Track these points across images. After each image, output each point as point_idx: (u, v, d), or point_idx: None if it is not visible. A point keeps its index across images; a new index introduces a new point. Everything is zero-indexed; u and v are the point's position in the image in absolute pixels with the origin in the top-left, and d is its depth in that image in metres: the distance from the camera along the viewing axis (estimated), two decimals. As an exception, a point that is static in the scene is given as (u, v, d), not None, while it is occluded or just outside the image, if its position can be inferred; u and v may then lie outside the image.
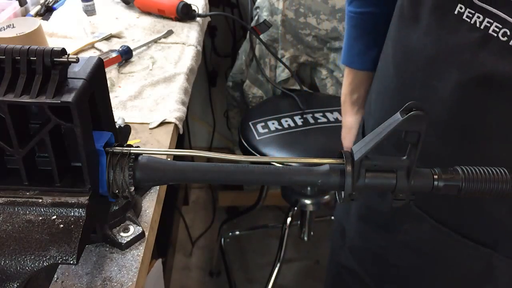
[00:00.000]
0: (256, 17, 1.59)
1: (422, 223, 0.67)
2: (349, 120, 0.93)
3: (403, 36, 0.66)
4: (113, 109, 0.51)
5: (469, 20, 0.55)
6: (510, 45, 0.52)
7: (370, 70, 0.84)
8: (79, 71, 0.43)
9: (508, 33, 0.52)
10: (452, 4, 0.56)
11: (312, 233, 1.71)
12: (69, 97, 0.40)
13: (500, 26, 0.52)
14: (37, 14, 1.28)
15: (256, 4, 1.60)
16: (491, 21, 0.53)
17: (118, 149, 0.46)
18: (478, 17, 0.54)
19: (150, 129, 0.89)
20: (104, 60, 0.71)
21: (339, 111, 1.51)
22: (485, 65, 0.54)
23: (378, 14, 0.81)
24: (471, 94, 0.57)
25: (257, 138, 1.40)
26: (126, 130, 0.69)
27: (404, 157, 0.45)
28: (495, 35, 0.53)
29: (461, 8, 0.55)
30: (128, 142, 0.53)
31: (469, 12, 0.54)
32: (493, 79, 0.55)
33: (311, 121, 1.46)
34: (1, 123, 0.42)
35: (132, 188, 0.46)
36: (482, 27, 0.54)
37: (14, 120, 0.42)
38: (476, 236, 0.64)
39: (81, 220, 0.43)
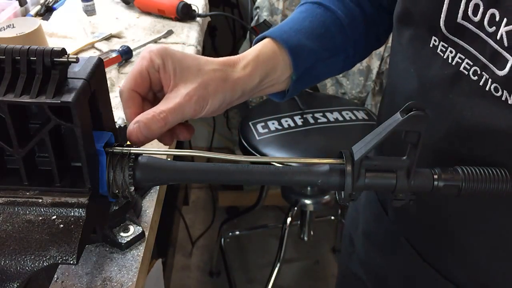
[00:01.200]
0: (256, 17, 1.59)
1: (411, 256, 0.64)
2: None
3: (394, 62, 0.61)
4: (113, 109, 0.51)
5: (442, 55, 0.50)
6: (481, 85, 0.46)
7: (291, 54, 0.59)
8: (79, 71, 0.43)
9: (479, 71, 0.46)
10: (428, 36, 0.51)
11: (312, 233, 1.71)
12: (69, 97, 0.40)
13: (471, 63, 0.47)
14: (37, 14, 1.28)
15: (256, 4, 1.60)
16: (463, 57, 0.47)
17: (118, 149, 0.46)
18: (451, 52, 0.49)
19: (150, 129, 0.89)
20: (104, 60, 0.71)
21: (339, 111, 1.51)
22: (455, 107, 0.49)
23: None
24: (443, 143, 0.51)
25: (257, 138, 1.40)
26: (126, 130, 0.69)
27: (404, 157, 0.45)
28: (466, 73, 0.47)
29: (435, 40, 0.50)
30: (128, 142, 0.53)
31: (442, 46, 0.50)
32: (463, 126, 0.49)
33: (311, 121, 1.46)
34: (1, 123, 0.42)
35: (132, 188, 0.46)
36: (454, 63, 0.48)
37: (14, 120, 0.42)
38: (463, 286, 0.59)
39: (81, 220, 0.43)
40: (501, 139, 0.46)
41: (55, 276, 0.58)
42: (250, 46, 0.61)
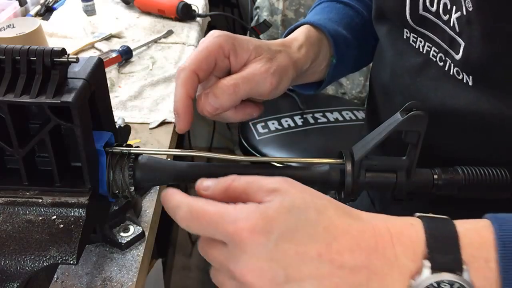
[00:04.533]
0: (256, 17, 1.59)
1: None
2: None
3: (376, 55, 0.64)
4: (113, 109, 0.51)
5: (414, 45, 0.53)
6: (446, 70, 0.50)
7: (332, 38, 0.60)
8: (79, 71, 0.43)
9: (443, 57, 0.50)
10: (401, 29, 0.55)
11: (312, 233, 1.71)
12: (69, 97, 0.40)
13: (437, 50, 0.50)
14: (37, 14, 1.28)
15: (256, 4, 1.60)
16: (430, 45, 0.51)
17: (118, 149, 0.46)
18: (421, 41, 0.52)
19: (150, 129, 0.89)
20: (104, 60, 0.71)
21: (339, 111, 1.51)
22: (421, 90, 0.52)
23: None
24: None
25: (257, 138, 1.40)
26: (126, 130, 0.69)
27: (404, 157, 0.45)
28: (434, 59, 0.51)
29: (407, 32, 0.54)
30: (128, 142, 0.53)
31: (413, 36, 0.53)
32: (428, 107, 0.50)
33: (311, 121, 1.46)
34: (1, 123, 0.42)
35: (132, 188, 0.46)
36: (424, 51, 0.52)
37: (14, 120, 0.42)
38: None
39: (81, 220, 0.43)
40: (461, 117, 0.49)
41: (55, 276, 0.58)
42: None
